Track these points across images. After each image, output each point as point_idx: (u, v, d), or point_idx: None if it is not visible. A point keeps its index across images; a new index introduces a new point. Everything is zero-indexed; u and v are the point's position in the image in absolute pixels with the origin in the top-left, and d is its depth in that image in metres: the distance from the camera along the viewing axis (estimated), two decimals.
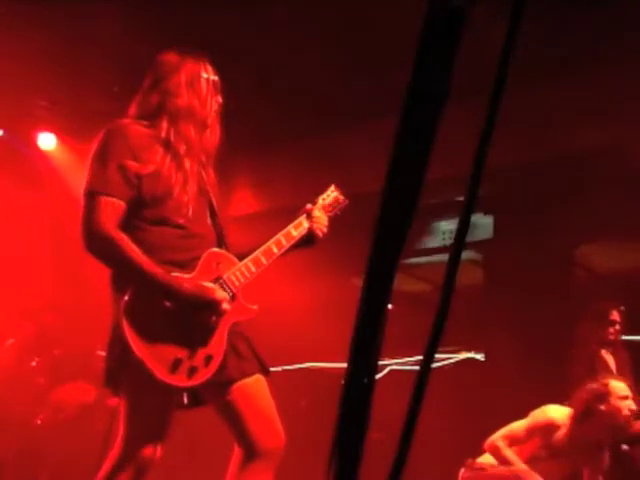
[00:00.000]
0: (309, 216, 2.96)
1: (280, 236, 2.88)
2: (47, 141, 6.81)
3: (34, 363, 5.49)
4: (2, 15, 5.16)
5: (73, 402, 5.36)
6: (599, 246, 7.08)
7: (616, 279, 7.10)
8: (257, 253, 2.80)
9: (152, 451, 2.59)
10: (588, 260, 7.22)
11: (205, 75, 2.81)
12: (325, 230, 2.99)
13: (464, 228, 0.82)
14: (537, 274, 6.39)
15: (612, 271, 7.36)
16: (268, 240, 2.87)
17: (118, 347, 2.52)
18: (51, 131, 6.77)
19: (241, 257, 2.81)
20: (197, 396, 2.67)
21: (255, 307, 2.76)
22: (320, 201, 3.07)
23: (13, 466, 5.05)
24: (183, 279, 2.55)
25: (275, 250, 2.84)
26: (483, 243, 6.71)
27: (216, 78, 2.86)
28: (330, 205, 3.10)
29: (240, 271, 2.73)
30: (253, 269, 2.76)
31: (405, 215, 0.82)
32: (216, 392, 2.67)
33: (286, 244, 2.88)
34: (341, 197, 3.14)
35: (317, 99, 6.16)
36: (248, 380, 2.69)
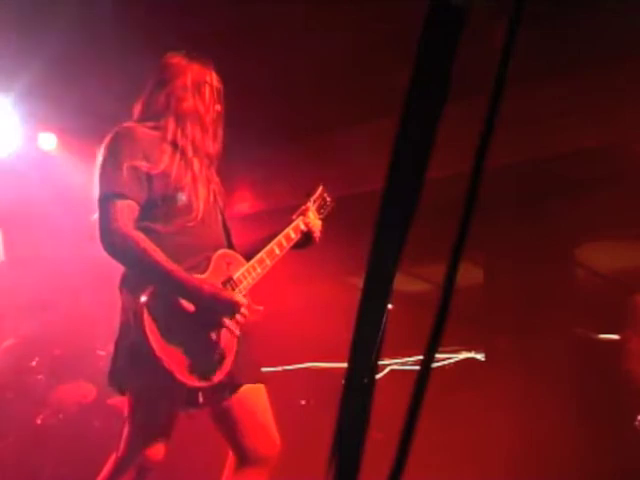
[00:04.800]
0: (305, 218, 2.97)
1: (281, 237, 2.89)
2: (47, 141, 6.81)
3: (34, 363, 5.48)
4: (2, 16, 5.16)
5: (73, 402, 5.35)
6: (599, 246, 7.08)
7: (616, 279, 7.10)
8: (262, 254, 2.81)
9: (156, 452, 2.58)
10: (588, 260, 7.22)
11: (209, 81, 2.83)
12: (319, 234, 3.01)
13: (464, 228, 0.82)
14: (537, 274, 6.39)
15: (612, 271, 7.36)
16: (267, 239, 2.90)
17: (127, 345, 2.52)
18: (51, 131, 6.77)
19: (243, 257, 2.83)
20: (209, 396, 2.68)
21: (261, 308, 2.77)
22: (311, 203, 3.08)
23: (13, 466, 5.04)
24: (203, 281, 2.56)
25: (277, 251, 2.86)
26: (483, 243, 6.71)
27: (219, 86, 2.87)
28: (320, 206, 3.12)
29: (248, 272, 2.75)
30: (259, 270, 2.78)
31: (405, 215, 0.82)
32: (213, 396, 2.67)
33: (286, 245, 2.90)
34: (329, 199, 3.17)
35: (317, 99, 6.16)
36: (245, 387, 2.70)
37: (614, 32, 5.07)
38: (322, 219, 3.10)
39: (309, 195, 3.12)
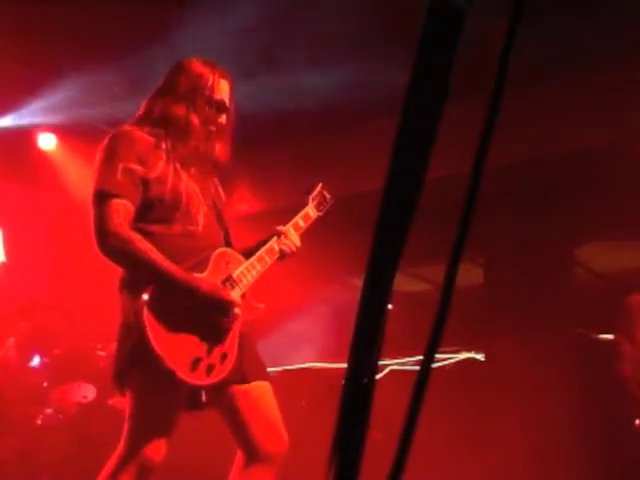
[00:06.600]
0: (279, 238, 2.90)
1: (272, 243, 2.88)
2: (47, 141, 6.81)
3: (34, 363, 5.48)
4: (1, 15, 5.16)
5: (73, 402, 5.35)
6: (599, 246, 7.09)
7: (616, 279, 7.09)
8: (261, 252, 2.82)
9: (157, 451, 2.58)
10: (588, 260, 7.22)
11: (213, 92, 2.78)
12: (294, 249, 2.92)
13: (464, 228, 0.82)
14: (537, 274, 6.40)
15: (612, 271, 7.36)
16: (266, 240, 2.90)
17: (128, 345, 2.52)
18: (51, 131, 6.77)
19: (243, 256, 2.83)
20: (211, 396, 2.68)
21: (262, 306, 2.78)
22: (310, 200, 3.09)
23: (13, 466, 5.04)
24: (201, 279, 2.57)
25: (277, 249, 2.87)
26: (483, 243, 6.71)
27: (224, 99, 2.81)
28: (319, 203, 3.12)
29: (247, 270, 2.75)
30: (259, 267, 2.78)
31: (405, 215, 0.82)
32: (220, 394, 2.68)
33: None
34: (328, 196, 3.17)
35: (317, 99, 6.16)
36: (252, 385, 2.71)
37: (615, 32, 5.07)
38: (322, 216, 3.11)
39: (308, 192, 3.12)
